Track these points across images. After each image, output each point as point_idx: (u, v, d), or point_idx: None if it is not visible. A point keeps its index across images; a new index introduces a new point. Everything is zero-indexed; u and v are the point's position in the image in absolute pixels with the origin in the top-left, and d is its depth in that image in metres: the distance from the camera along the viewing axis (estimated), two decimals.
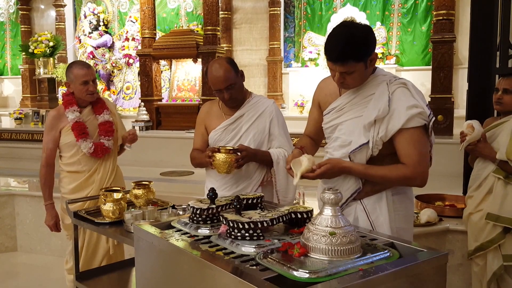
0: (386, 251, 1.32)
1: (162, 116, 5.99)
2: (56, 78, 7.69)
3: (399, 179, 1.69)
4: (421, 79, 6.50)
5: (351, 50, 1.62)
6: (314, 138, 2.00)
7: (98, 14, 8.07)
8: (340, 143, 1.76)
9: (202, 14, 5.72)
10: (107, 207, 2.05)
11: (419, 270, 1.27)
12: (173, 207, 2.13)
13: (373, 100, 1.70)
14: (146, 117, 5.79)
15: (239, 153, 2.08)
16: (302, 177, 1.69)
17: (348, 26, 1.67)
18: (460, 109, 6.25)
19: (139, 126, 5.69)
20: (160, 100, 6.17)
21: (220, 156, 2.03)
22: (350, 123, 1.74)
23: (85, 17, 8.10)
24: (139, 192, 2.19)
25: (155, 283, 1.54)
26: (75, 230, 2.20)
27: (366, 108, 1.71)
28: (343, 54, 1.63)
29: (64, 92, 2.53)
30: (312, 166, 1.68)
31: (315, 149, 2.00)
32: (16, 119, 7.17)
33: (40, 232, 4.06)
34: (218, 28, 5.59)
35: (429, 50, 7.57)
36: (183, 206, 2.06)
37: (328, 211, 1.29)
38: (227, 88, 2.12)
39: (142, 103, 5.95)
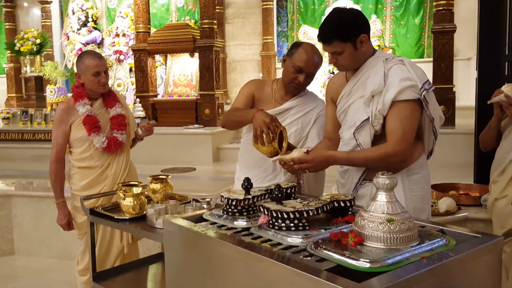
0: (443, 237, 1.26)
1: (158, 112, 5.85)
2: (44, 76, 7.45)
3: (381, 157, 1.71)
4: None
5: (335, 31, 1.74)
6: (332, 138, 1.99)
7: (87, 10, 7.86)
8: (348, 125, 1.83)
9: (199, 7, 5.59)
10: (127, 202, 1.96)
11: (479, 256, 1.22)
12: (196, 200, 2.04)
13: (370, 77, 1.76)
14: (142, 113, 5.65)
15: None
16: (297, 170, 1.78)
17: (336, 9, 1.82)
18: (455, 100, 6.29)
19: (136, 123, 5.54)
20: (156, 96, 6.03)
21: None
22: (355, 104, 1.81)
23: (73, 13, 7.88)
24: (157, 186, 2.10)
25: (190, 279, 1.45)
26: (91, 228, 2.10)
27: (365, 86, 1.77)
28: (328, 34, 1.76)
29: (74, 84, 2.40)
30: (300, 156, 1.75)
31: (332, 150, 1.96)
32: (3, 118, 6.94)
33: (39, 234, 3.91)
34: (215, 21, 5.49)
35: (422, 42, 7.62)
36: (206, 200, 1.98)
37: (382, 196, 1.22)
38: (308, 74, 2.10)
39: (138, 99, 5.81)
